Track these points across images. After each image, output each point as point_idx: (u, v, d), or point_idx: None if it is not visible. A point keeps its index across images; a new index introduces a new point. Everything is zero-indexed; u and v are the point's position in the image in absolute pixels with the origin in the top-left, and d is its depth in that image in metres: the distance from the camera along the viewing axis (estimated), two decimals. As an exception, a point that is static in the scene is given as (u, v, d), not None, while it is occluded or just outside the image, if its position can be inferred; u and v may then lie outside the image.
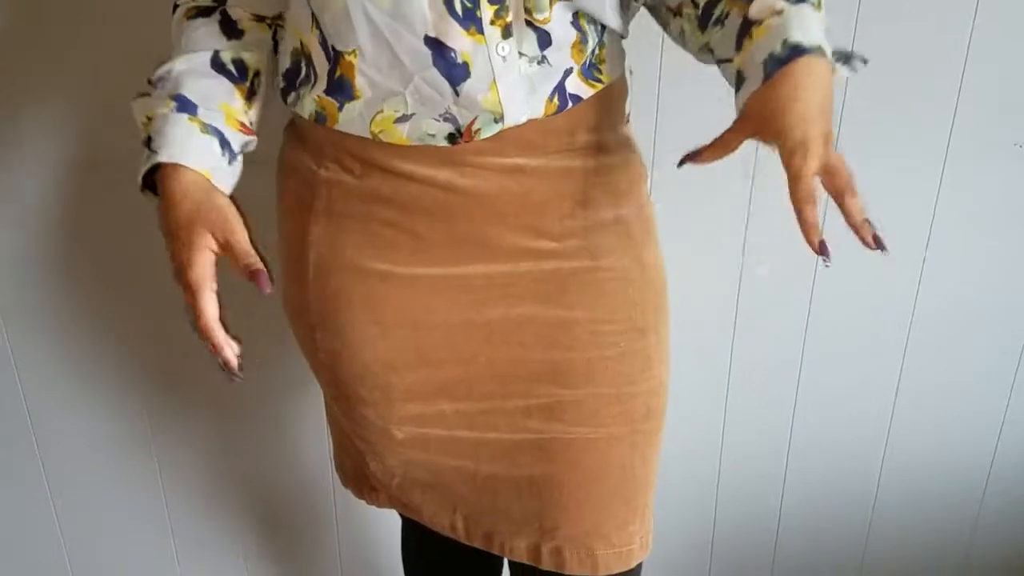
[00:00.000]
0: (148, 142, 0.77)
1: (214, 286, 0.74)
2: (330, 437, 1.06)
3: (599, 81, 0.81)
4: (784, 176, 0.67)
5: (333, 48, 0.77)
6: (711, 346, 1.32)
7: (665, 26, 0.85)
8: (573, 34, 0.77)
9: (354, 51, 0.76)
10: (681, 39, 0.83)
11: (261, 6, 0.83)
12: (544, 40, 0.76)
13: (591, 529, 0.91)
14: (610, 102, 0.85)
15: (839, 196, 0.66)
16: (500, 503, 0.93)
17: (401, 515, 1.12)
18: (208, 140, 0.77)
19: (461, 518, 0.96)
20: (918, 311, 1.31)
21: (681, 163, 0.72)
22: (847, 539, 1.50)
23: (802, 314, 1.31)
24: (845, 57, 0.73)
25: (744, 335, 1.32)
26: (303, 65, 0.81)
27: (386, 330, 0.86)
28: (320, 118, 0.81)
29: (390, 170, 0.81)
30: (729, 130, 0.71)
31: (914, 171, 1.23)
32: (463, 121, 0.77)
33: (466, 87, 0.75)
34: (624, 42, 0.86)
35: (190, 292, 0.74)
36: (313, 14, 0.77)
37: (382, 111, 0.78)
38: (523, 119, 0.78)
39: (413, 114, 0.77)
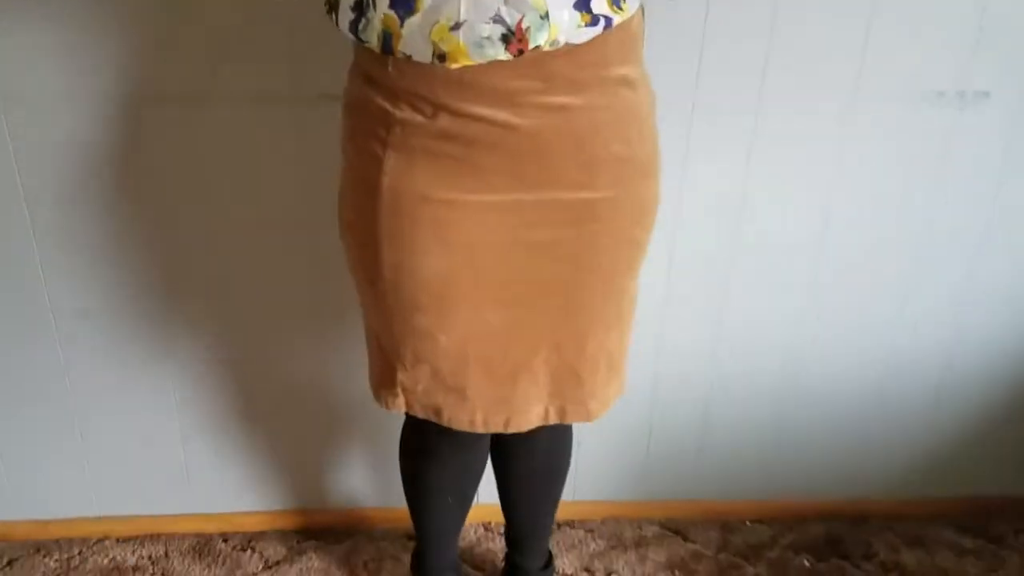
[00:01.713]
0: None
1: None
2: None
3: (620, 7, 0.96)
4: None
5: None
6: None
7: None
8: None
9: None
10: None
11: None
12: None
13: (588, 392, 1.16)
14: (630, 38, 1.01)
15: None
16: (519, 389, 1.13)
17: (407, 419, 1.29)
18: None
19: (480, 411, 1.14)
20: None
21: None
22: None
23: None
24: None
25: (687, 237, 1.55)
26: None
27: (448, 247, 1.02)
28: (386, 41, 0.93)
29: (457, 112, 0.96)
30: None
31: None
32: (512, 21, 0.90)
33: None
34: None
35: None
36: None
37: (438, 22, 0.90)
38: (564, 17, 0.91)
39: (465, 20, 0.89)
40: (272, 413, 1.66)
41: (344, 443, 1.71)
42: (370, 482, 1.75)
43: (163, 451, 1.67)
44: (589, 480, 1.76)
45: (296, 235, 1.47)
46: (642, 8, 1.04)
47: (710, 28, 1.37)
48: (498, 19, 0.90)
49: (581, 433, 1.61)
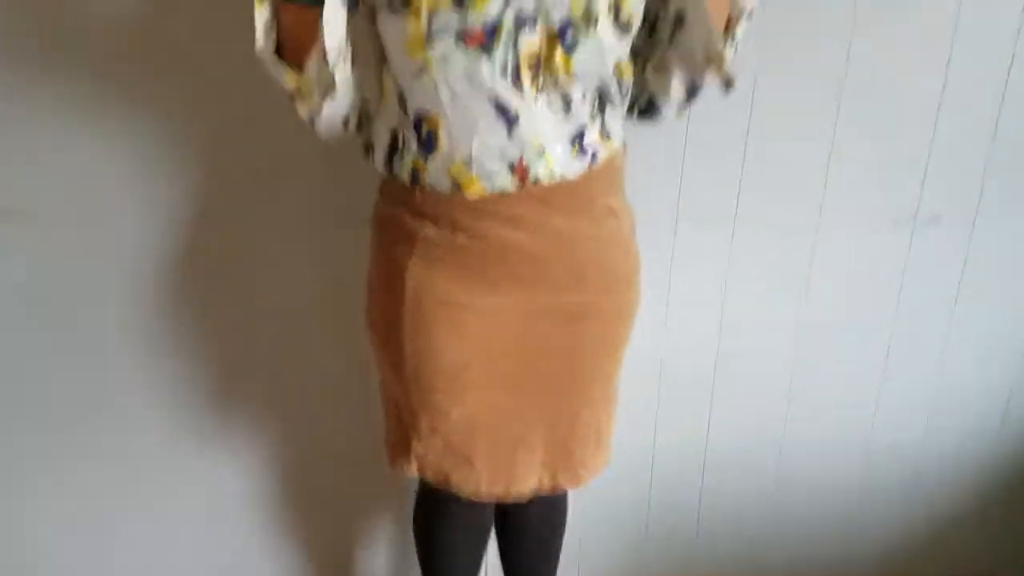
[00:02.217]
0: None
1: None
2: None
3: (608, 139, 1.19)
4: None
5: (418, 114, 1.12)
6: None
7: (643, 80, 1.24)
8: (585, 100, 1.15)
9: (439, 111, 1.12)
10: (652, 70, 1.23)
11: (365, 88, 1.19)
12: (566, 101, 1.14)
13: (578, 462, 1.35)
14: (614, 172, 1.24)
15: None
16: (518, 460, 1.32)
17: (420, 485, 1.47)
18: None
19: (485, 479, 1.32)
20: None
21: None
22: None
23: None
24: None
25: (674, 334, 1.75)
26: (399, 139, 1.18)
27: (462, 341, 1.24)
28: (415, 175, 1.17)
29: (471, 231, 1.18)
30: None
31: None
32: (515, 156, 1.13)
33: (516, 129, 1.12)
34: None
35: None
36: (401, 96, 1.14)
37: (455, 160, 1.13)
38: (558, 150, 1.14)
39: (477, 157, 1.12)
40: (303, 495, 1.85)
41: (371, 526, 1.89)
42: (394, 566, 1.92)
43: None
44: (591, 560, 1.93)
45: (328, 333, 1.69)
46: (625, 145, 1.28)
47: (688, 162, 1.61)
48: (503, 155, 1.14)
49: (583, 515, 1.80)
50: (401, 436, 1.34)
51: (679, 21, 1.17)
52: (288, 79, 1.12)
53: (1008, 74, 1.57)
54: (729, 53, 1.17)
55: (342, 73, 1.12)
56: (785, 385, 1.81)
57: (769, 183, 1.62)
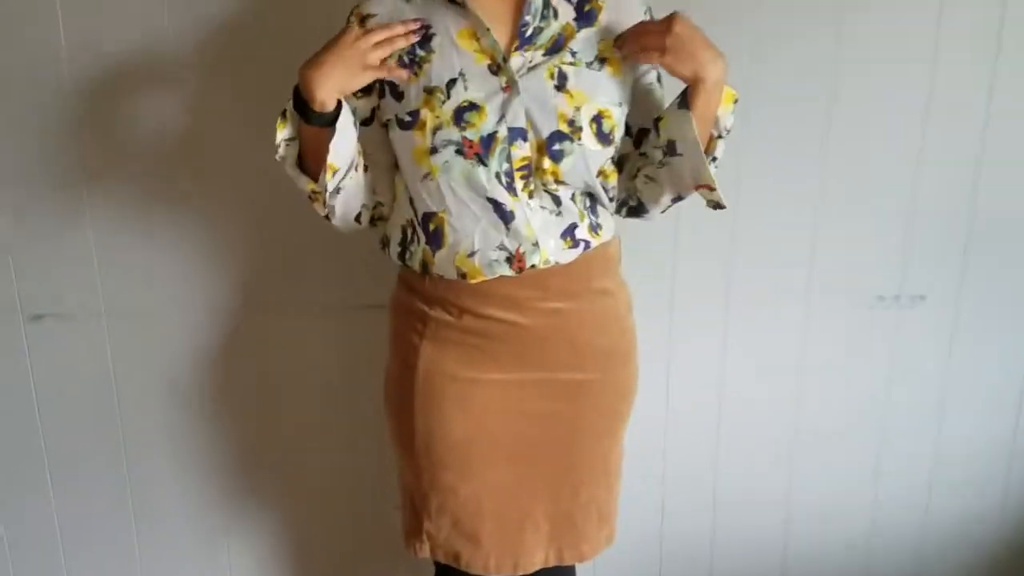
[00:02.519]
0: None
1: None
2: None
3: (597, 233, 1.30)
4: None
5: (426, 214, 1.25)
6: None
7: (631, 187, 1.35)
8: (573, 200, 1.27)
9: (444, 211, 1.24)
10: (645, 180, 1.34)
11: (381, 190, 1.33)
12: (556, 201, 1.26)
13: (581, 537, 1.41)
14: (608, 258, 1.35)
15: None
16: (525, 536, 1.38)
17: (436, 564, 1.49)
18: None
19: (493, 556, 1.38)
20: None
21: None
22: None
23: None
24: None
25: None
26: (410, 233, 1.30)
27: (468, 416, 1.32)
28: (424, 266, 1.29)
29: (476, 313, 1.29)
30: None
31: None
32: (512, 248, 1.25)
33: (512, 225, 1.23)
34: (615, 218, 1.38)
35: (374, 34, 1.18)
36: (411, 197, 1.27)
37: (459, 252, 1.25)
38: (551, 249, 1.25)
39: (478, 249, 1.25)
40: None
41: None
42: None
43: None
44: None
45: (345, 419, 1.79)
46: (616, 236, 1.39)
47: (680, 248, 1.73)
48: (501, 247, 1.26)
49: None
50: (414, 519, 1.41)
51: (670, 149, 1.27)
52: (305, 185, 1.26)
53: (980, 156, 1.69)
54: (715, 173, 1.29)
55: (352, 182, 1.26)
56: (785, 461, 1.87)
57: (757, 262, 1.73)
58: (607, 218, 1.35)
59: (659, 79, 1.34)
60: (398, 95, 1.24)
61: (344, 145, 1.22)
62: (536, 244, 1.25)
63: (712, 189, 1.27)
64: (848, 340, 1.80)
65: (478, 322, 1.30)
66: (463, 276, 1.28)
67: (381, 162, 1.32)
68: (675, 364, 1.79)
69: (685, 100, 1.23)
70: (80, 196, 1.64)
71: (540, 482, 1.37)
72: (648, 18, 1.30)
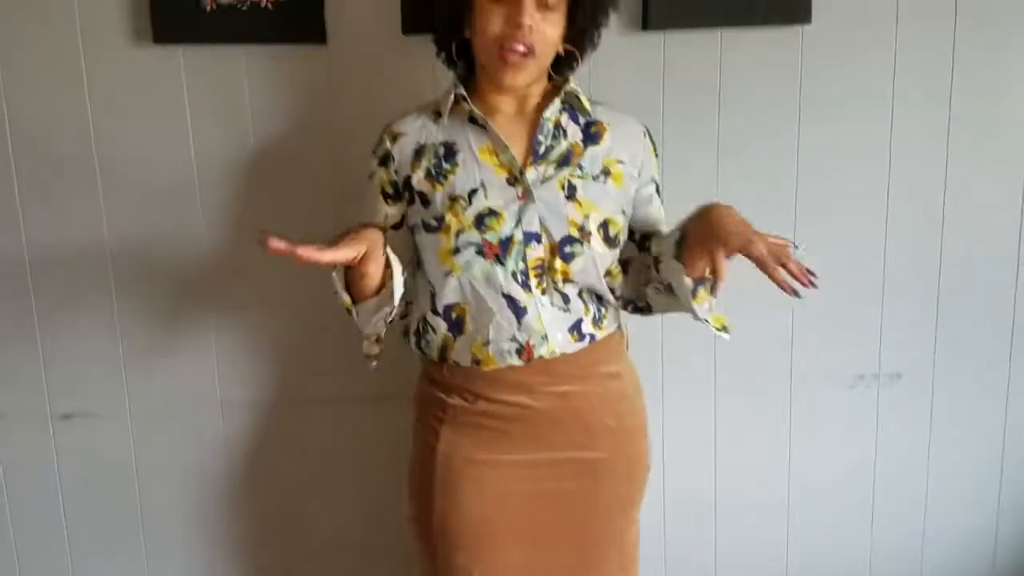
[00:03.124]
0: None
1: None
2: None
3: (601, 326, 1.41)
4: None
5: (447, 305, 1.35)
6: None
7: (635, 286, 1.44)
8: (580, 297, 1.37)
9: (465, 304, 1.35)
10: (640, 277, 1.43)
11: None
12: (565, 299, 1.36)
13: None
14: (614, 345, 1.46)
15: (783, 260, 1.17)
16: None
17: None
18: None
19: None
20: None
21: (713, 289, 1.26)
22: None
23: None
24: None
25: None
26: (426, 325, 1.40)
27: (484, 497, 1.40)
28: (442, 353, 1.39)
29: (491, 398, 1.39)
30: (691, 256, 1.28)
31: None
32: (523, 340, 1.35)
33: (525, 320, 1.34)
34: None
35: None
36: (432, 292, 1.37)
37: (475, 341, 1.36)
38: (559, 342, 1.36)
39: (492, 340, 1.35)
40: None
41: None
42: None
43: None
44: None
45: (374, 507, 1.86)
46: (621, 328, 1.49)
47: (666, 336, 1.84)
48: (513, 339, 1.37)
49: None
50: None
51: (669, 289, 1.38)
52: (345, 302, 1.33)
53: (941, 239, 1.83)
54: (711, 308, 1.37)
55: (381, 322, 1.35)
56: (780, 541, 1.95)
57: (741, 348, 1.83)
58: (611, 312, 1.46)
59: (658, 190, 1.46)
60: (426, 202, 1.37)
61: (378, 318, 1.31)
62: (545, 337, 1.36)
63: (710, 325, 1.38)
64: (832, 418, 1.90)
65: (492, 406, 1.40)
66: (477, 363, 1.38)
67: (405, 260, 1.42)
68: (669, 449, 1.87)
69: (680, 250, 1.32)
70: (110, 305, 1.74)
71: (554, 564, 1.43)
72: (647, 141, 1.44)
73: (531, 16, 1.28)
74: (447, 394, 1.43)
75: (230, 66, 1.64)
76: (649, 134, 1.45)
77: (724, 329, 1.37)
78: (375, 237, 1.25)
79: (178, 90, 1.65)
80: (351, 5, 1.62)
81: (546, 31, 1.31)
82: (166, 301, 1.76)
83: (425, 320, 1.42)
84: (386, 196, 1.40)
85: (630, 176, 1.40)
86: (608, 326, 1.44)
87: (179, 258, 1.73)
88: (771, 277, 1.19)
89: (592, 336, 1.41)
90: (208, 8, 1.57)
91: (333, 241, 1.20)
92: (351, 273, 1.27)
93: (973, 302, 1.87)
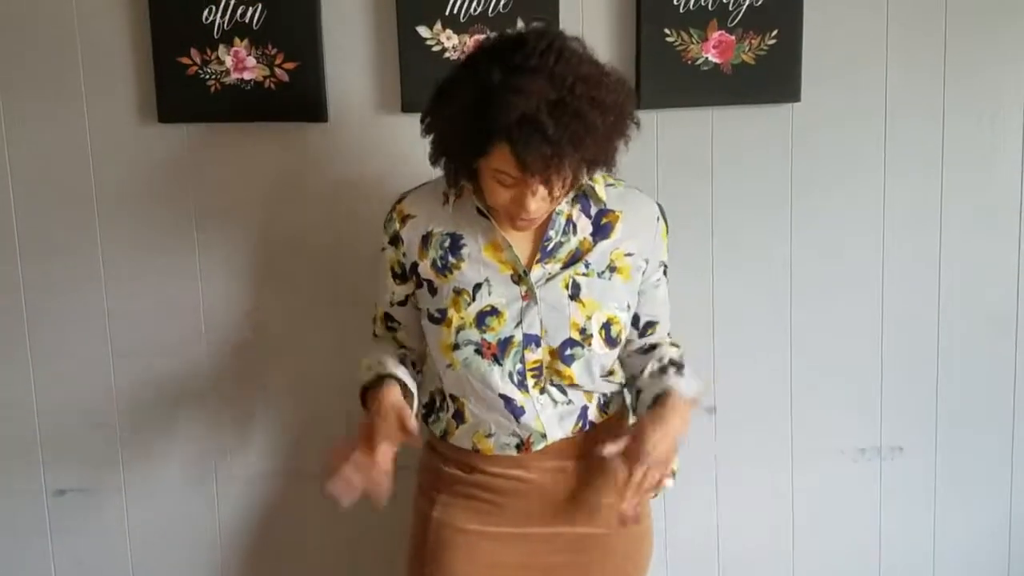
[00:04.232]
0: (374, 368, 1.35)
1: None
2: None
3: (607, 412, 1.42)
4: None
5: (451, 395, 1.39)
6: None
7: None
8: (582, 394, 1.39)
9: (465, 398, 1.38)
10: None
11: (416, 352, 1.45)
12: (563, 391, 1.37)
13: None
14: (614, 426, 1.44)
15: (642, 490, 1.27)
16: None
17: None
18: (405, 370, 1.38)
19: None
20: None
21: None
22: None
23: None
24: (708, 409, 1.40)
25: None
26: (438, 400, 1.43)
27: (476, 567, 1.39)
28: (445, 434, 1.41)
29: (486, 472, 1.39)
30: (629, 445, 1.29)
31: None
32: (523, 436, 1.36)
33: (523, 419, 1.35)
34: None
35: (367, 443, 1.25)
36: (440, 375, 1.39)
37: (478, 431, 1.38)
38: (559, 436, 1.37)
39: (494, 433, 1.37)
40: None
41: None
42: None
43: None
44: None
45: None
46: (623, 412, 1.47)
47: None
48: (514, 434, 1.38)
49: None
50: None
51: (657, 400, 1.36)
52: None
53: (938, 311, 1.84)
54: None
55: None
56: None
57: (739, 421, 1.83)
58: (614, 400, 1.45)
59: (665, 272, 1.42)
60: (433, 290, 1.36)
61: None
62: (544, 435, 1.37)
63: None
64: (836, 494, 1.88)
65: (487, 479, 1.40)
66: (475, 450, 1.40)
67: (412, 328, 1.45)
68: (669, 530, 1.85)
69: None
70: (109, 386, 1.76)
71: None
72: (660, 224, 1.39)
73: (537, 202, 1.22)
74: (445, 464, 1.44)
75: (234, 144, 1.68)
76: (663, 215, 1.41)
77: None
78: (391, 416, 1.27)
79: (182, 167, 1.68)
80: (352, 84, 1.66)
81: (556, 199, 1.25)
82: (164, 393, 1.77)
83: (434, 399, 1.44)
84: (394, 275, 1.41)
85: (637, 268, 1.37)
86: (613, 407, 1.44)
87: (181, 332, 1.75)
88: (623, 490, 1.28)
89: (595, 424, 1.41)
90: (212, 88, 1.62)
91: (362, 440, 1.27)
92: (373, 403, 1.31)
93: (972, 370, 1.87)
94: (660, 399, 1.33)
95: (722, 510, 1.87)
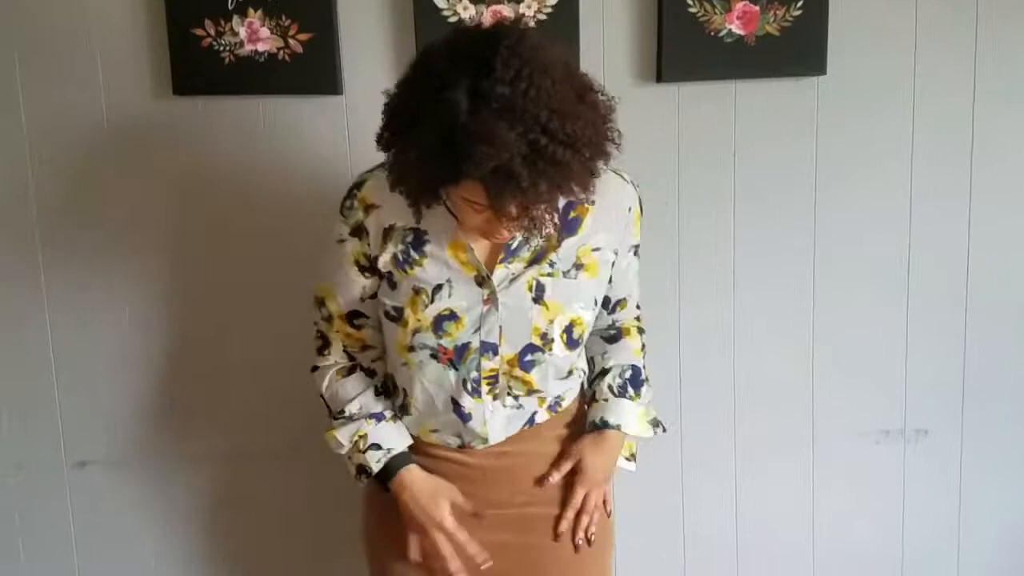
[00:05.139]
0: (369, 448, 1.31)
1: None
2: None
3: (557, 411, 1.37)
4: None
5: (403, 389, 1.34)
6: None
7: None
8: (535, 401, 1.34)
9: (413, 396, 1.32)
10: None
11: (374, 358, 1.39)
12: (519, 403, 1.32)
13: None
14: (561, 417, 1.39)
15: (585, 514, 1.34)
16: None
17: None
18: (399, 425, 1.35)
19: None
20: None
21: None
22: None
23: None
24: (656, 423, 1.40)
25: None
26: (391, 385, 1.37)
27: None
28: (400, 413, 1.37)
29: (428, 454, 1.35)
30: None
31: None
32: (466, 439, 1.33)
33: (469, 424, 1.31)
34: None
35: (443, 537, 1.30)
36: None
37: (423, 426, 1.35)
38: (502, 438, 1.32)
39: (438, 430, 1.34)
40: None
41: None
42: None
43: None
44: None
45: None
46: (578, 401, 1.43)
47: (685, 394, 1.82)
48: (457, 435, 1.35)
49: None
50: None
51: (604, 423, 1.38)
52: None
53: (966, 296, 1.80)
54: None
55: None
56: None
57: (760, 402, 1.81)
58: (571, 391, 1.41)
59: (635, 252, 1.37)
60: (392, 284, 1.30)
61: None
62: (485, 440, 1.34)
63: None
64: (858, 477, 1.86)
65: (430, 461, 1.37)
66: (419, 438, 1.38)
67: (378, 322, 1.39)
68: (688, 511, 1.84)
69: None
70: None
71: None
72: (632, 214, 1.33)
73: (512, 228, 1.18)
74: None
75: (248, 117, 1.66)
76: (638, 202, 1.34)
77: (632, 457, 1.43)
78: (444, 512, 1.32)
79: (199, 140, 1.67)
80: (367, 55, 1.64)
81: (534, 227, 1.19)
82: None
83: (387, 384, 1.41)
84: (362, 268, 1.32)
85: (605, 262, 1.32)
86: (565, 403, 1.40)
87: (187, 306, 1.75)
88: (567, 513, 1.37)
89: (537, 423, 1.38)
90: (227, 60, 1.60)
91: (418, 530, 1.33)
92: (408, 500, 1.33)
93: (999, 352, 1.83)
94: (605, 429, 1.37)
95: (741, 496, 1.85)
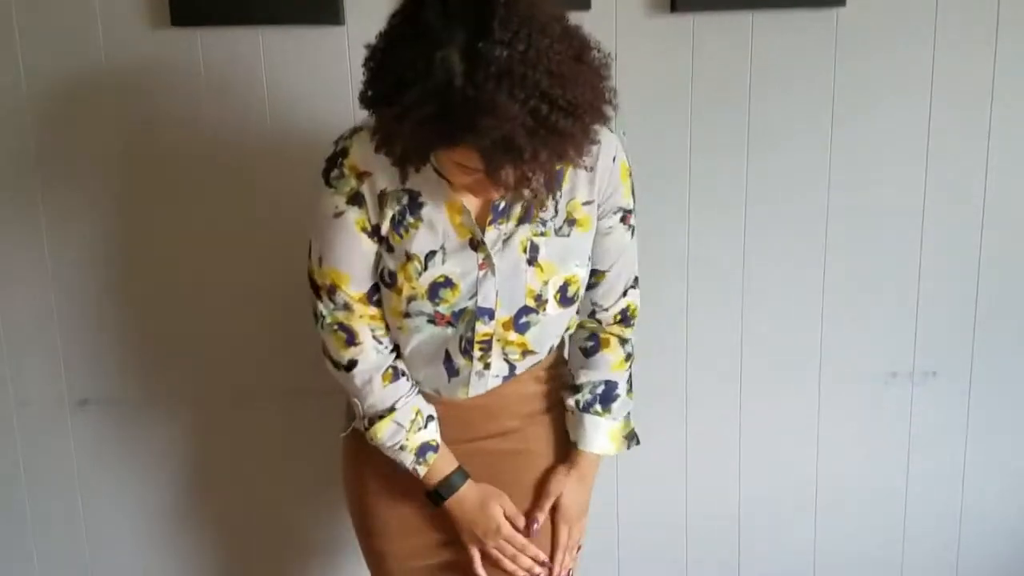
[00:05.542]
0: (418, 454, 1.31)
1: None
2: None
3: (538, 367, 1.37)
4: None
5: (396, 344, 1.32)
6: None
7: None
8: (528, 362, 1.33)
9: (403, 351, 1.31)
10: None
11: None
12: (511, 366, 1.32)
13: None
14: (546, 360, 1.38)
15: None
16: None
17: None
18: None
19: None
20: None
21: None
22: None
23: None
24: (631, 436, 1.40)
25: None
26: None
27: (395, 484, 1.35)
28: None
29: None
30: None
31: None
32: (446, 396, 1.33)
33: (454, 380, 1.31)
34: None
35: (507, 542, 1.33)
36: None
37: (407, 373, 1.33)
38: (482, 392, 1.33)
39: (420, 382, 1.33)
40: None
41: None
42: None
43: None
44: None
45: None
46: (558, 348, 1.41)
47: (692, 336, 1.80)
48: (437, 391, 1.35)
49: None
50: None
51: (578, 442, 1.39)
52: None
53: (980, 236, 1.77)
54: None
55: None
56: (809, 540, 1.90)
57: (767, 342, 1.79)
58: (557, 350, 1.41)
59: (624, 220, 1.32)
60: (390, 248, 1.26)
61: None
62: (468, 393, 1.34)
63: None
64: (864, 418, 1.85)
65: None
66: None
67: None
68: (692, 449, 1.84)
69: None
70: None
71: None
72: (616, 165, 1.27)
73: (503, 191, 1.14)
74: None
75: (248, 48, 1.62)
76: (622, 155, 1.28)
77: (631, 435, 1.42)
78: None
79: (196, 72, 1.63)
80: (369, -15, 1.59)
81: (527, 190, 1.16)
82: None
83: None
84: (369, 235, 1.25)
85: (593, 214, 1.28)
86: (542, 354, 1.38)
87: (192, 242, 1.73)
88: (558, 556, 1.39)
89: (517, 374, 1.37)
90: (226, -11, 1.55)
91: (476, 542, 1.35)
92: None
93: (1012, 297, 1.80)
94: (578, 456, 1.38)
95: (745, 435, 1.84)
